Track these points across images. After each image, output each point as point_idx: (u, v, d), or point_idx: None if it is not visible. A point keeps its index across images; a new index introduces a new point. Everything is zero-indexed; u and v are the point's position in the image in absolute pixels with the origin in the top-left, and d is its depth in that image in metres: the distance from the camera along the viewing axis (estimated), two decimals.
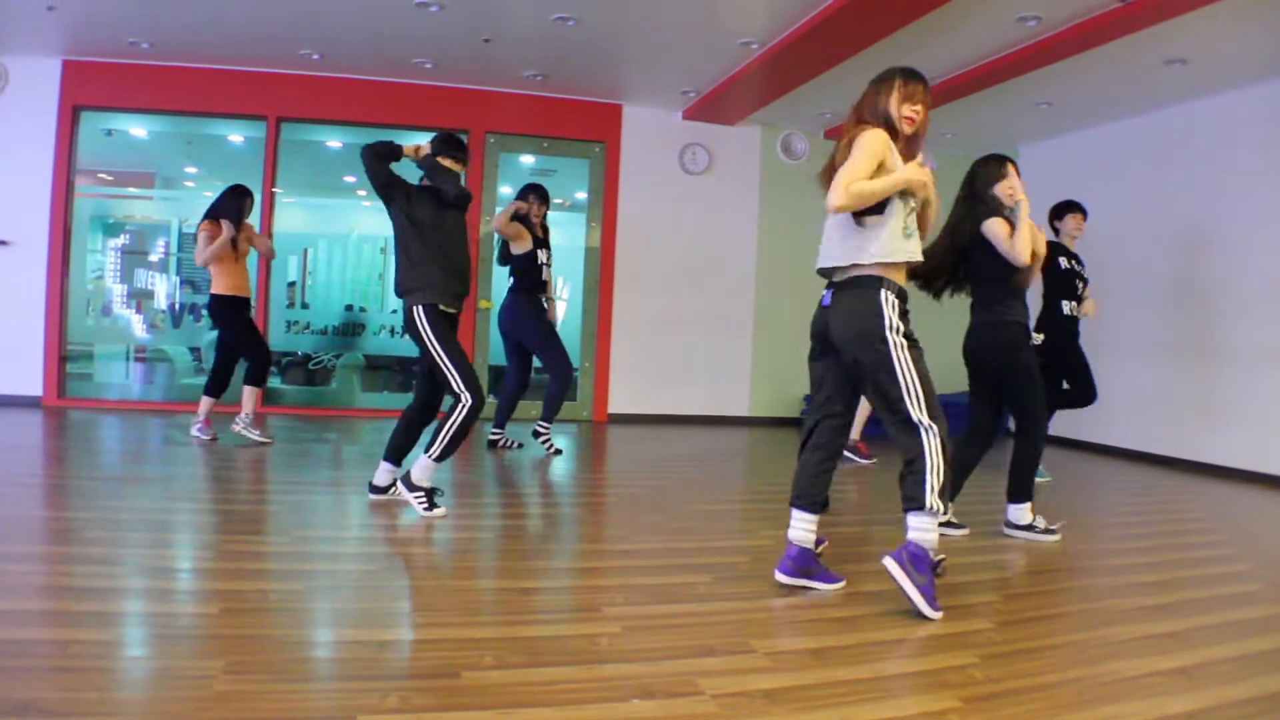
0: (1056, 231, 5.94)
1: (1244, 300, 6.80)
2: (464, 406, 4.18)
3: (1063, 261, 5.85)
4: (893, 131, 3.19)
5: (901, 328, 3.10)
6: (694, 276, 8.84)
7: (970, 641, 2.78)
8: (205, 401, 6.22)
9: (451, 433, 4.17)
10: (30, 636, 2.48)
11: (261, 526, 4.01)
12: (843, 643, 2.75)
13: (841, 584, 3.30)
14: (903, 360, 3.07)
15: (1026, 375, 4.23)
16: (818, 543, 3.40)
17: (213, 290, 6.16)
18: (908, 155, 3.22)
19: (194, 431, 6.19)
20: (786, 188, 8.89)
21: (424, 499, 4.18)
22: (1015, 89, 6.99)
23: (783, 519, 3.21)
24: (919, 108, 3.21)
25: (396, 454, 4.46)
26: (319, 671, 2.43)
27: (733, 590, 3.29)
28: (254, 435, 6.15)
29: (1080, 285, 5.92)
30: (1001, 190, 4.16)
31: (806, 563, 3.28)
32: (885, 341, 3.07)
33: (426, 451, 4.19)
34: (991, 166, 4.22)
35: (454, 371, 4.21)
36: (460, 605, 3.06)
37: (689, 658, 2.56)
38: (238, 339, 6.22)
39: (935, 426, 3.06)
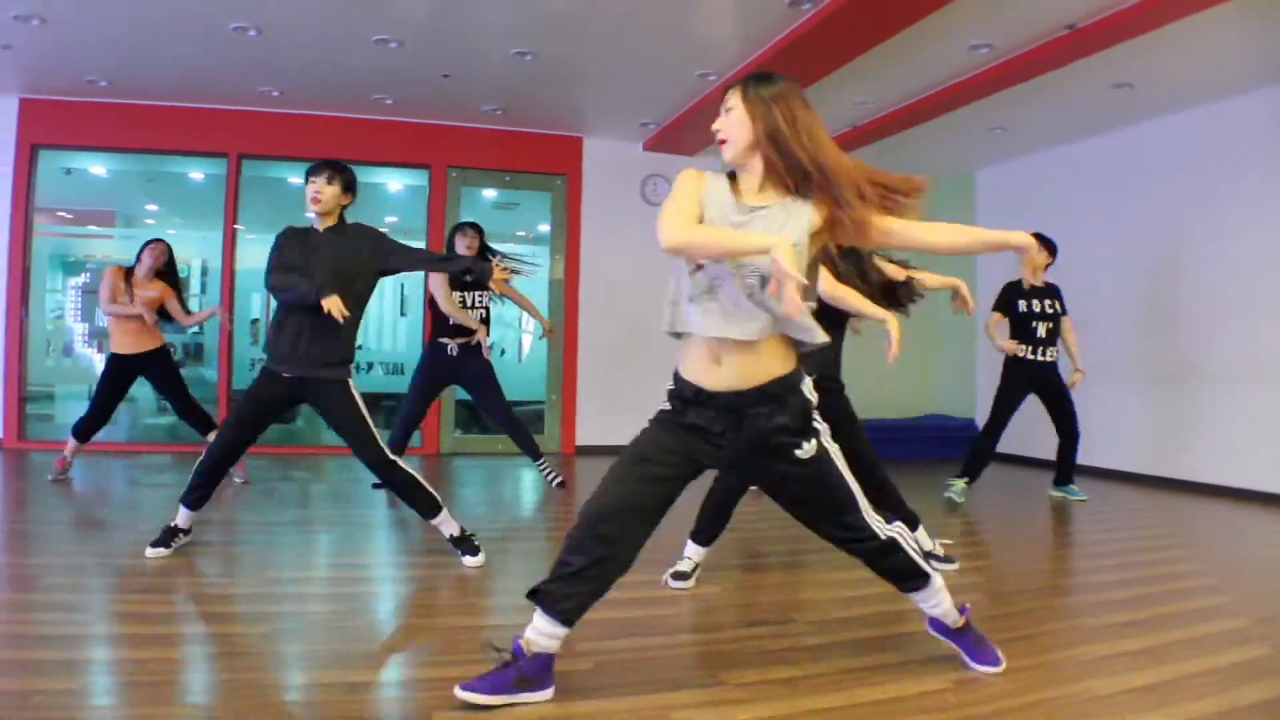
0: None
1: (1209, 318, 6.89)
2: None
3: (1021, 304, 5.93)
4: None
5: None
6: (657, 306, 8.73)
7: (944, 666, 2.79)
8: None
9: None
10: None
11: (228, 569, 3.95)
12: (814, 672, 2.75)
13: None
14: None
15: None
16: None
17: None
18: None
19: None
20: None
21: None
22: (969, 115, 7.10)
23: (745, 549, 3.20)
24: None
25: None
26: (289, 716, 2.39)
27: (705, 622, 3.29)
28: None
29: (1040, 326, 5.94)
30: None
31: None
32: None
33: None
34: None
35: None
36: (430, 645, 3.03)
37: (661, 691, 2.55)
38: None
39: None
